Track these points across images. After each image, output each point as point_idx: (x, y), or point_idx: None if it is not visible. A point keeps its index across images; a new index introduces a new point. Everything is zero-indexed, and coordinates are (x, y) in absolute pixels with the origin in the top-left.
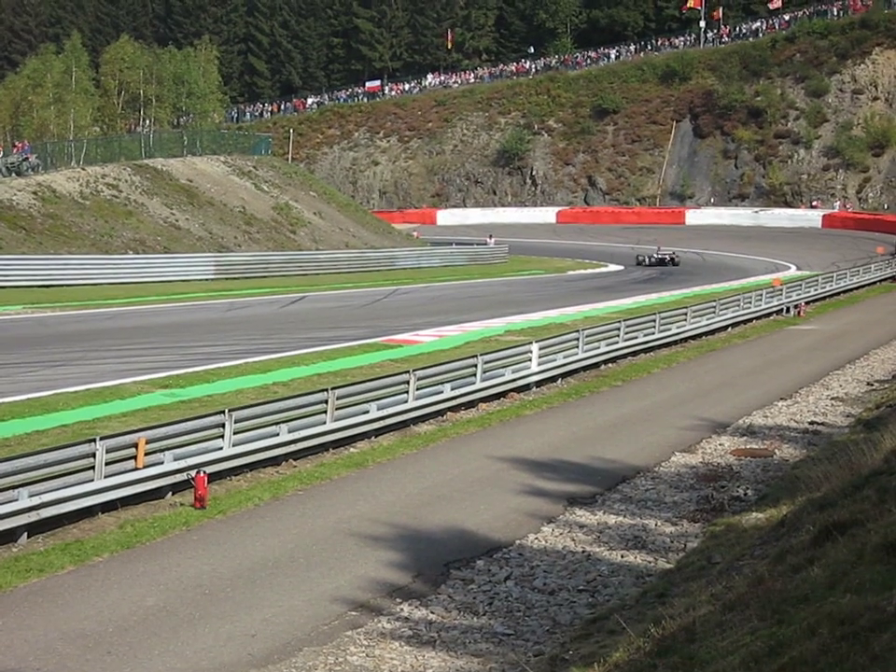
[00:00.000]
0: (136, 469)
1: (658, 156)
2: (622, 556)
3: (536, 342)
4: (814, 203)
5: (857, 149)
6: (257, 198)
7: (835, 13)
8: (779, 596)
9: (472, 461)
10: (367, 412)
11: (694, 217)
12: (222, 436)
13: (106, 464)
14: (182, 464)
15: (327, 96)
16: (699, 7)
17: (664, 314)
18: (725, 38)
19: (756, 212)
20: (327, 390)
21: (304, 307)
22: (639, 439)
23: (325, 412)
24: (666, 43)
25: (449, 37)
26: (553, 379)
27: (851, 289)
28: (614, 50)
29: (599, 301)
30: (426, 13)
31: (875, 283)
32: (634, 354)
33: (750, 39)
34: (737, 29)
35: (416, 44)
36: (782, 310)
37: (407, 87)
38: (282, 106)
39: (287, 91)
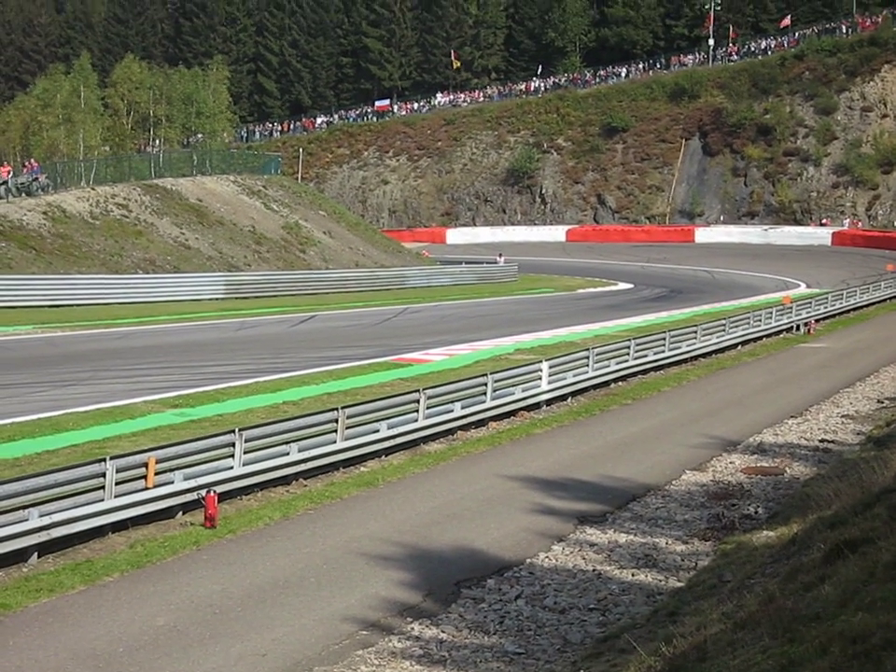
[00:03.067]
0: (147, 488)
1: (667, 174)
2: (632, 575)
3: (546, 360)
4: (823, 221)
5: (866, 167)
6: (266, 217)
7: (844, 31)
8: (791, 615)
9: (483, 480)
10: (377, 430)
11: (704, 235)
12: (232, 455)
13: (117, 483)
14: (192, 483)
15: (336, 115)
16: (709, 26)
17: (674, 332)
18: (734, 56)
19: (766, 230)
20: (337, 409)
21: (314, 326)
22: (650, 457)
23: (335, 431)
24: (675, 61)
25: (453, 56)
26: (563, 397)
27: (861, 307)
28: (623, 69)
29: (609, 320)
30: (434, 32)
31: (885, 300)
32: (644, 372)
33: (759, 57)
34: (746, 47)
35: (425, 63)
36: (792, 328)
37: (416, 106)
38: (291, 126)
39: (296, 110)
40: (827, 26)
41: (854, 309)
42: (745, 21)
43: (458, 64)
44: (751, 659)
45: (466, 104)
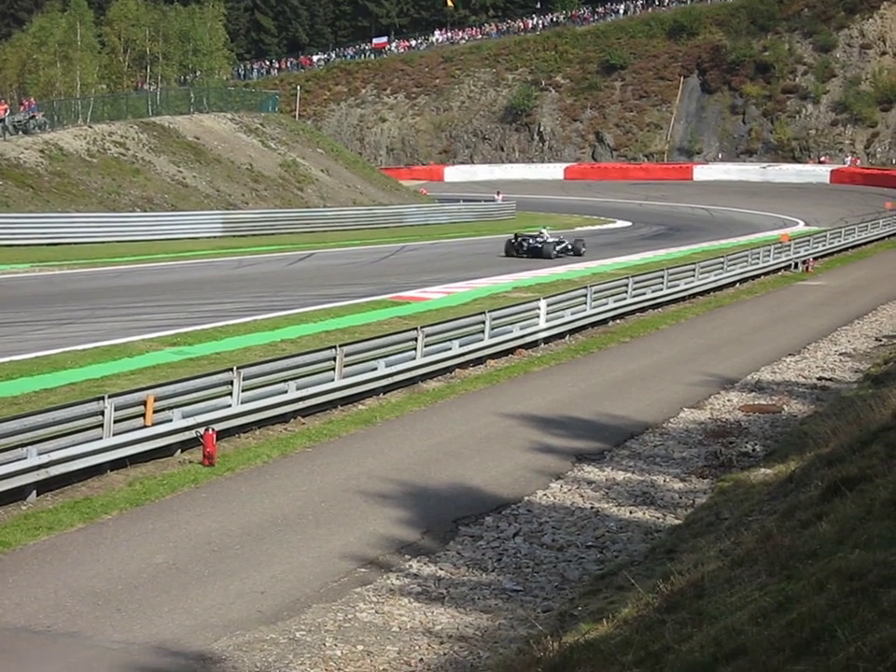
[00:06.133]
0: (145, 426)
1: (666, 112)
2: (630, 512)
3: (544, 298)
4: (822, 159)
5: (865, 104)
6: (264, 155)
7: None
8: (788, 552)
9: (481, 418)
10: (375, 369)
11: (702, 172)
12: (231, 393)
13: (115, 422)
14: (191, 421)
15: (334, 53)
16: None
17: (672, 269)
18: None
19: (764, 167)
20: (335, 347)
21: (312, 264)
22: (648, 395)
23: (333, 369)
24: None
25: None
26: (561, 335)
27: (859, 245)
28: (622, 6)
29: (607, 258)
30: None
31: (883, 238)
32: (642, 310)
33: None
34: None
35: (423, 0)
36: (790, 265)
37: (414, 43)
38: (289, 63)
39: (293, 47)
40: None
41: (852, 247)
42: None
43: (452, 4)
44: (748, 596)
45: (464, 41)
